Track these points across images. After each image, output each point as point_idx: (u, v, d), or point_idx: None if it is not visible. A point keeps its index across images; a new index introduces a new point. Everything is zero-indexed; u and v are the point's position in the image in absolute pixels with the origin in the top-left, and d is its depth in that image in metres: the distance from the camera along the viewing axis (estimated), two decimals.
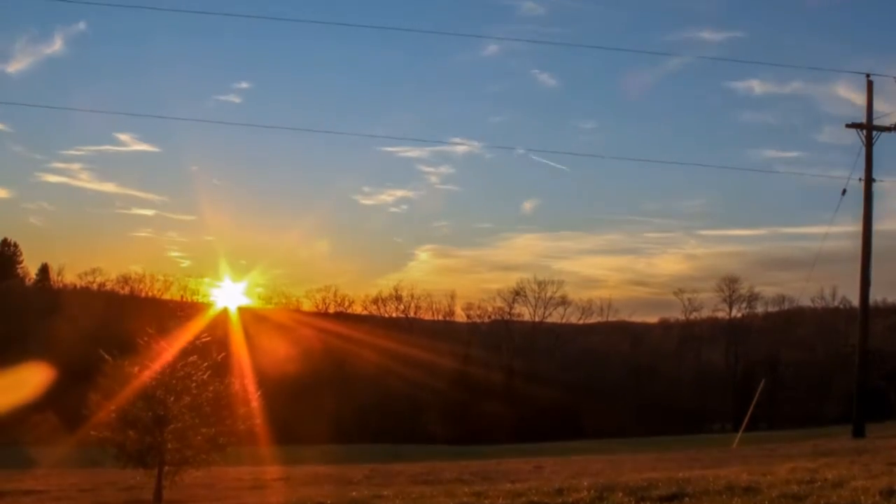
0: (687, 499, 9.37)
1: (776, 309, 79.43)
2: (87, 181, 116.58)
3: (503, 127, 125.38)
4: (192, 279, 78.24)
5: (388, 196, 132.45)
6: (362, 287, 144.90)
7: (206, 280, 78.58)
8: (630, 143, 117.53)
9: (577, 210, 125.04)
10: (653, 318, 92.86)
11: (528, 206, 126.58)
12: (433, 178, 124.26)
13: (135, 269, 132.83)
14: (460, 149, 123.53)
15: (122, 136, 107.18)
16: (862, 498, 8.78)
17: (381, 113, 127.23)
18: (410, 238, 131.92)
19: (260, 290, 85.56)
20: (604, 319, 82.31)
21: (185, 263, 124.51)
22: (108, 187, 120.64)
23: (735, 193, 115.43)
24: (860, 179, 21.88)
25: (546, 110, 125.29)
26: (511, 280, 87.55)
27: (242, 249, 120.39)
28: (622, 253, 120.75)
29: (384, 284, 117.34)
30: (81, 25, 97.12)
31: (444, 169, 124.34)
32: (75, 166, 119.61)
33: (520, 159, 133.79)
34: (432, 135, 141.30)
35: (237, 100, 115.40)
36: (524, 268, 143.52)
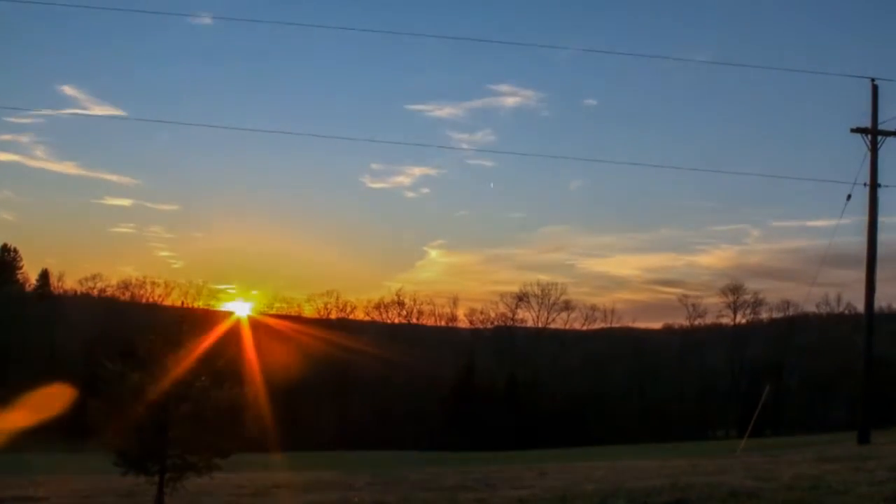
0: None
1: (781, 315, 79.26)
2: (44, 159, 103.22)
3: (573, 65, 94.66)
4: (193, 285, 78.39)
5: (403, 177, 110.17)
6: (369, 290, 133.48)
7: (205, 283, 78.85)
8: (756, 81, 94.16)
9: (631, 192, 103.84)
10: (657, 324, 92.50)
11: (574, 185, 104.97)
12: (465, 147, 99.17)
13: (126, 270, 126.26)
14: (510, 102, 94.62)
15: (75, 94, 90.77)
16: None
17: (403, 51, 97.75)
18: (425, 231, 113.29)
19: (256, 292, 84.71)
20: (608, 325, 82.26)
21: (177, 264, 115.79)
22: (70, 167, 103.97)
23: (840, 167, 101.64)
24: (865, 184, 21.80)
25: (645, 33, 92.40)
26: (532, 282, 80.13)
27: (235, 247, 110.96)
28: (666, 249, 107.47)
29: (392, 287, 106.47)
30: None
31: (481, 135, 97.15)
32: (25, 138, 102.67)
33: (590, 114, 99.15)
34: (474, 82, 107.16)
35: (209, 20, 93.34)
36: (549, 268, 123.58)
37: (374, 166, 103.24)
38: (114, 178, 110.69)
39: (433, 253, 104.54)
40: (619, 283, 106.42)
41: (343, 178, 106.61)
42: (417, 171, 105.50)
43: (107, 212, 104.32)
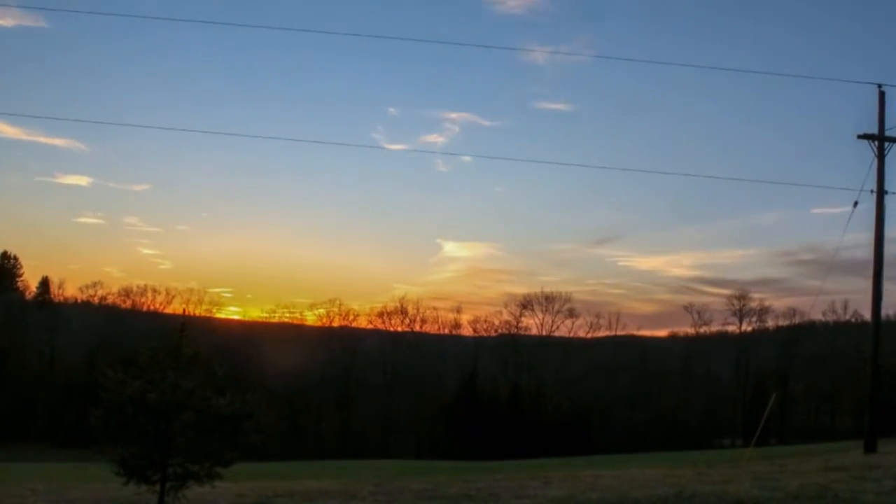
0: None
1: (787, 323, 79.05)
2: None
3: None
4: (194, 292, 78.44)
5: (434, 137, 78.07)
6: (377, 294, 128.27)
7: (204, 290, 78.97)
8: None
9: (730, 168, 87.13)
10: (662, 331, 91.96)
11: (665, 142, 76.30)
12: (541, 63, 59.95)
13: (108, 271, 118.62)
14: None
15: None
16: None
17: None
18: (443, 219, 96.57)
19: (250, 296, 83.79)
20: (612, 332, 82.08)
21: (165, 265, 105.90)
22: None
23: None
24: (872, 191, 21.71)
25: None
26: (558, 285, 76.54)
27: (228, 244, 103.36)
28: (734, 243, 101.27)
29: (406, 290, 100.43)
30: None
31: (563, 55, 65.67)
32: None
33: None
34: None
35: None
36: (584, 266, 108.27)
37: (391, 110, 71.84)
38: (60, 142, 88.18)
39: (449, 246, 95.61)
40: (661, 283, 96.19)
41: (353, 138, 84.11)
42: (457, 116, 70.45)
43: (64, 194, 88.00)
